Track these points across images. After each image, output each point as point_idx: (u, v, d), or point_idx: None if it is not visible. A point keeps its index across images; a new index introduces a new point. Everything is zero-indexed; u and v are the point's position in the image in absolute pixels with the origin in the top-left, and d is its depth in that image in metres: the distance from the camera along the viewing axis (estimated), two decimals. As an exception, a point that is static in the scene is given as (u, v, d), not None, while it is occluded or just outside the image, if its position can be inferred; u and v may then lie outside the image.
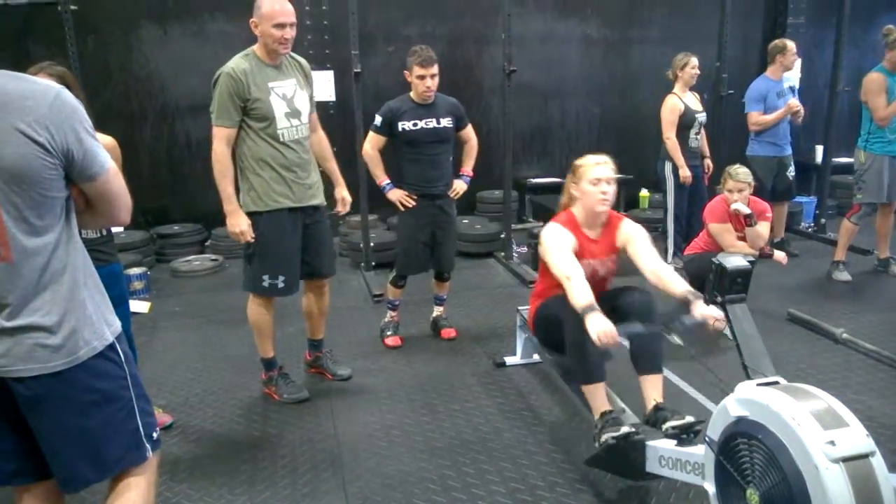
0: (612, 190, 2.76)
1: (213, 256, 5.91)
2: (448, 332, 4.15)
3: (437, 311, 4.26)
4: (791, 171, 5.50)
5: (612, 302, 2.74)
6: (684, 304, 2.50)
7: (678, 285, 2.58)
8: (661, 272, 2.68)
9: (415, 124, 3.76)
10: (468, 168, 4.05)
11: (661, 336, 2.69)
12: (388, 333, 4.08)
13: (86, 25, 5.64)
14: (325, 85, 6.38)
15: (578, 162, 2.84)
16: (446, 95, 3.92)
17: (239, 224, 3.05)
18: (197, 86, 6.08)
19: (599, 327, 2.34)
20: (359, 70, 5.01)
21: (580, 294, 2.49)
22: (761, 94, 5.28)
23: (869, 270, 5.23)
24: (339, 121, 6.20)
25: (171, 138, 6.29)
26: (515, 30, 5.39)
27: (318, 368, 3.62)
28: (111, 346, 1.62)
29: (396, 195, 3.87)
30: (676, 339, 2.56)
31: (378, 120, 3.83)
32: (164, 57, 6.13)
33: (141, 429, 1.67)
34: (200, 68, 6.17)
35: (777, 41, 5.42)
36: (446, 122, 3.83)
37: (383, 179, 3.91)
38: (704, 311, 2.39)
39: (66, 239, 1.53)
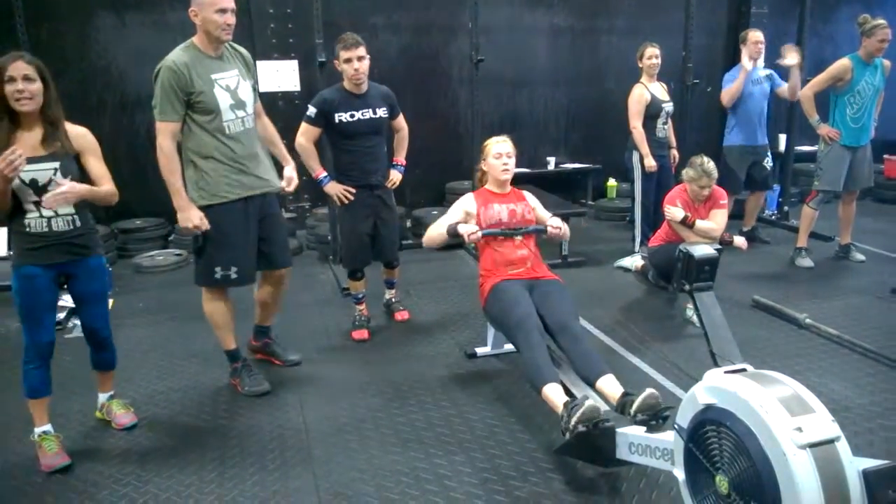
0: (511, 162, 3.35)
1: (177, 251, 5.80)
2: (401, 315, 4.21)
3: (389, 294, 4.32)
4: (768, 162, 5.58)
5: (544, 318, 3.00)
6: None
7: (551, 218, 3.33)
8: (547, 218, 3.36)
9: (352, 115, 3.70)
10: (401, 157, 4.03)
11: (591, 345, 2.94)
12: (356, 326, 4.05)
13: (39, 14, 5.45)
14: (289, 74, 6.29)
15: (485, 143, 3.42)
16: (377, 83, 3.86)
17: (191, 218, 2.99)
18: (158, 76, 5.95)
19: (467, 230, 3.12)
20: (323, 59, 4.93)
21: (441, 227, 3.25)
22: (733, 77, 5.34)
23: (831, 257, 5.35)
24: (305, 111, 6.11)
25: (132, 130, 6.13)
26: (482, 19, 5.36)
27: (267, 355, 3.59)
28: None
29: (335, 189, 3.81)
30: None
31: (312, 111, 3.74)
32: (123, 47, 5.96)
33: None
34: (161, 58, 6.03)
35: (744, 31, 5.49)
36: (382, 112, 3.79)
37: (320, 172, 3.83)
38: (551, 222, 3.25)
39: None
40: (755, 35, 5.32)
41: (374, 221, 3.89)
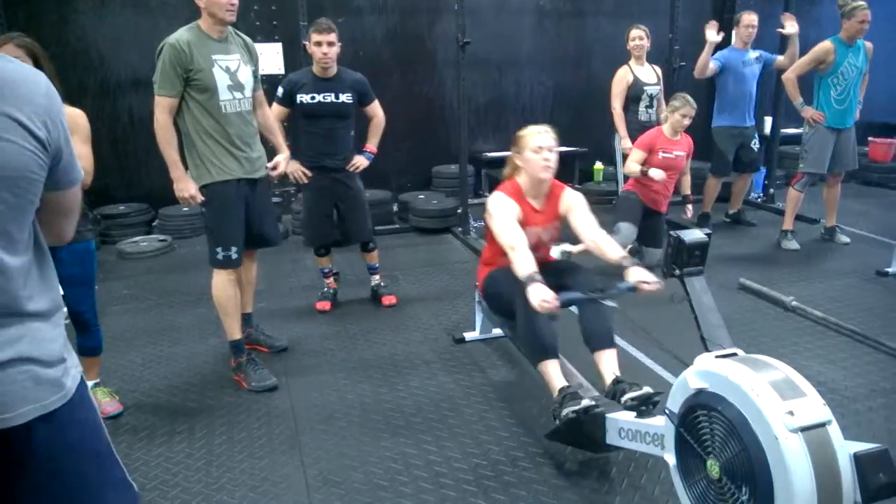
0: (553, 157, 2.83)
1: (161, 237, 5.72)
2: (389, 299, 4.22)
3: (374, 280, 4.31)
4: (755, 143, 5.59)
5: (558, 281, 2.77)
6: (619, 269, 2.65)
7: (614, 252, 2.73)
8: (599, 240, 2.81)
9: (312, 98, 3.78)
10: (372, 144, 4.06)
11: (608, 311, 2.74)
12: (321, 297, 4.16)
13: (16, -5, 5.33)
14: (273, 57, 6.19)
15: (520, 132, 2.91)
16: (352, 70, 3.93)
17: (187, 189, 3.04)
18: (139, 60, 5.84)
19: (541, 296, 2.40)
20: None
21: (523, 264, 2.57)
22: (724, 56, 5.34)
23: (816, 239, 5.38)
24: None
25: (113, 115, 6.03)
26: (468, 1, 5.29)
27: (252, 344, 3.56)
28: (82, 375, 1.35)
29: (291, 168, 3.86)
30: (610, 303, 2.72)
31: (280, 91, 3.85)
32: (103, 29, 5.84)
33: (127, 476, 1.40)
34: (142, 41, 5.92)
35: (738, 14, 5.50)
36: (346, 98, 3.84)
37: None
38: (638, 276, 2.50)
39: (40, 254, 1.29)
40: (748, 18, 5.32)
41: (335, 203, 3.97)
